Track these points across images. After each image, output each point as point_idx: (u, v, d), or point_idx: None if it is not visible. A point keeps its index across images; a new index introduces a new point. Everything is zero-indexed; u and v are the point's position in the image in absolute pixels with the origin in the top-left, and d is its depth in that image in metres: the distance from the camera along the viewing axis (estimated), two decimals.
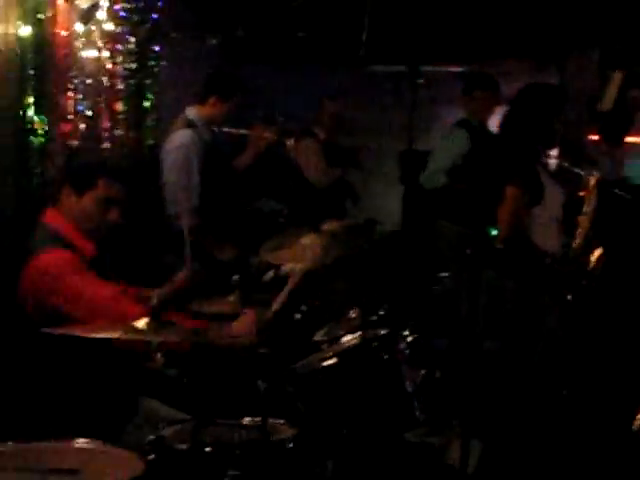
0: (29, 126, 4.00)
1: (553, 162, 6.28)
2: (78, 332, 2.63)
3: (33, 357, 3.13)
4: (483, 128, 6.08)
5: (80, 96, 4.61)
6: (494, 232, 4.32)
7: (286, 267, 4.35)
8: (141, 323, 2.47)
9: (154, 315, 2.46)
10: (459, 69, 7.51)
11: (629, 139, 7.12)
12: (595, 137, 7.15)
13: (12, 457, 2.50)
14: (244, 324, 3.28)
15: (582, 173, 4.78)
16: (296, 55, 7.05)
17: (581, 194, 4.57)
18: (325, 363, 3.04)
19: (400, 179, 6.97)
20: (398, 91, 4.86)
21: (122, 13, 5.13)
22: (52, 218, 3.33)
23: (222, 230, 5.07)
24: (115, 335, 2.46)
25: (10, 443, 2.57)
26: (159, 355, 2.85)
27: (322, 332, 3.49)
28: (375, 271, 3.64)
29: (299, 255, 3.54)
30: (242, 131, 5.40)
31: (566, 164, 5.43)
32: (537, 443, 4.05)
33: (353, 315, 3.52)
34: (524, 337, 4.56)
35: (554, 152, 5.65)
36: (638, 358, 4.75)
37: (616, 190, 4.89)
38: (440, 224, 5.44)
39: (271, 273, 4.53)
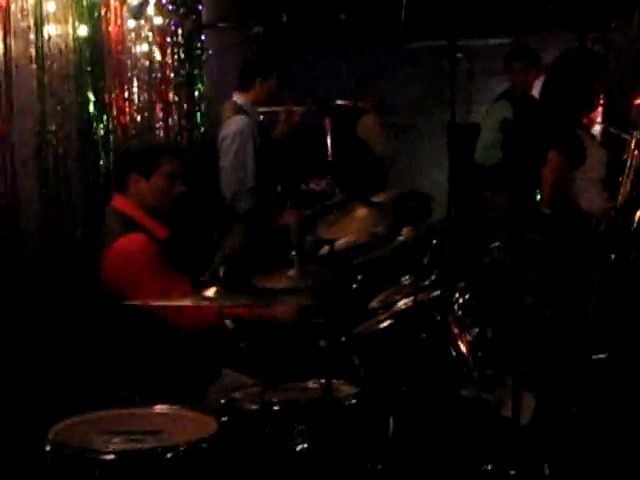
0: (90, 121, 4.24)
1: (598, 126, 6.43)
2: (153, 302, 2.87)
3: (122, 333, 3.38)
4: (526, 98, 6.21)
5: (135, 89, 4.87)
6: (539, 197, 4.48)
7: (340, 242, 4.58)
8: (210, 292, 2.70)
9: (223, 284, 2.69)
10: (499, 42, 7.66)
11: None
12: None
13: (102, 422, 2.76)
14: (287, 308, 3.48)
15: (625, 136, 4.93)
16: (339, 37, 7.24)
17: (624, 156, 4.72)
18: (381, 325, 3.26)
19: (448, 153, 7.14)
20: (439, 67, 4.99)
21: (169, 6, 5.38)
22: (122, 204, 3.54)
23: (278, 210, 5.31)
24: (187, 302, 2.69)
25: (101, 411, 2.83)
26: (229, 321, 3.08)
27: (377, 300, 3.70)
28: (427, 241, 3.81)
29: (353, 228, 3.75)
30: (275, 108, 5.66)
31: (610, 128, 5.58)
32: (588, 399, 4.23)
33: (406, 282, 3.73)
34: (575, 302, 4.72)
35: (598, 116, 5.79)
36: None
37: None
38: (487, 194, 5.62)
39: (326, 248, 4.74)
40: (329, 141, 5.11)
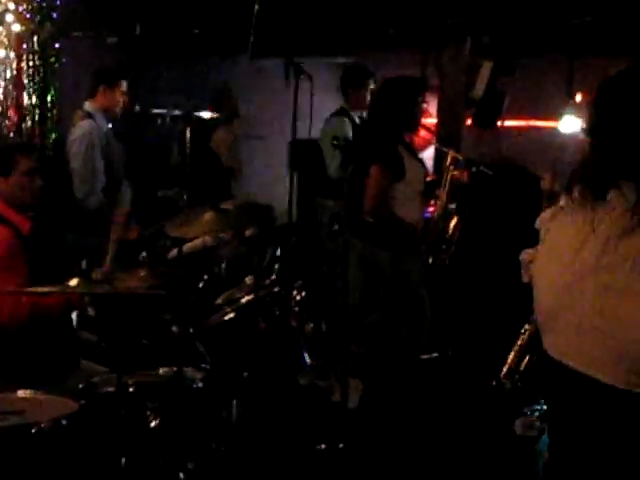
0: None
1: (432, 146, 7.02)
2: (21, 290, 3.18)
3: None
4: (362, 118, 6.70)
5: None
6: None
7: (188, 245, 4.95)
8: (73, 282, 3.04)
9: (83, 275, 3.03)
10: (341, 60, 8.15)
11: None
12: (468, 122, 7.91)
13: None
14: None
15: (454, 154, 5.52)
16: (191, 50, 7.61)
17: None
18: (226, 317, 3.65)
19: (289, 167, 7.62)
20: (285, 82, 5.43)
21: (27, 14, 5.61)
22: None
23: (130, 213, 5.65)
24: (53, 289, 3.02)
25: None
26: (91, 309, 3.40)
27: (223, 297, 4.09)
28: (268, 242, 4.24)
29: (200, 229, 4.13)
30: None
31: (441, 147, 6.17)
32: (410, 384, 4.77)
33: (249, 281, 4.14)
34: (401, 305, 5.26)
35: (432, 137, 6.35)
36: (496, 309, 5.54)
37: (478, 167, 5.59)
38: (318, 200, 6.17)
39: (175, 251, 5.10)
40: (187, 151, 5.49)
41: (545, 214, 2.35)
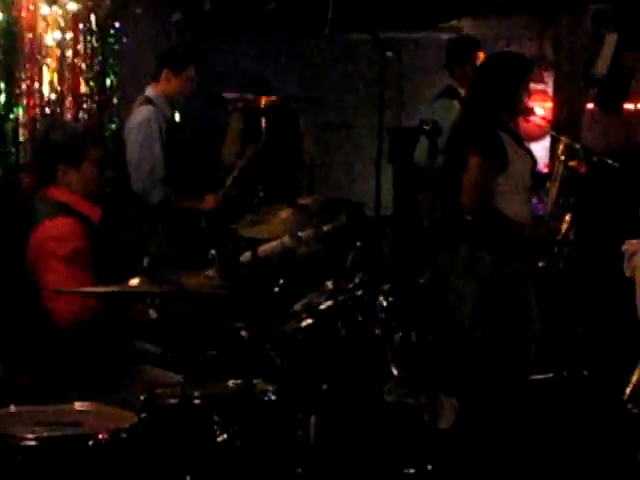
0: (1, 112, 4.78)
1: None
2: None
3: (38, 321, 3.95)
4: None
5: (46, 78, 5.41)
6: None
7: (263, 249, 5.18)
8: (134, 281, 3.28)
9: (146, 274, 3.28)
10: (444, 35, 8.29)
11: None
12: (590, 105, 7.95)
13: (24, 414, 3.28)
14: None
15: (567, 141, 5.60)
16: (265, 26, 7.86)
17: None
18: (303, 324, 3.86)
19: (389, 158, 7.81)
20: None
21: None
22: (56, 193, 4.11)
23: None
24: (113, 289, 3.29)
25: (25, 406, 3.36)
26: (153, 311, 3.66)
27: (301, 303, 4.30)
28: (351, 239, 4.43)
29: (276, 228, 4.36)
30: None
31: (553, 132, 6.27)
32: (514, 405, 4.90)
33: (330, 286, 4.33)
34: (505, 316, 5.34)
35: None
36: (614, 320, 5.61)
37: (600, 158, 5.67)
38: (421, 198, 6.27)
39: (249, 254, 5.33)
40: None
41: None
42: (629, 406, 5.02)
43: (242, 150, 6.72)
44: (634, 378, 5.03)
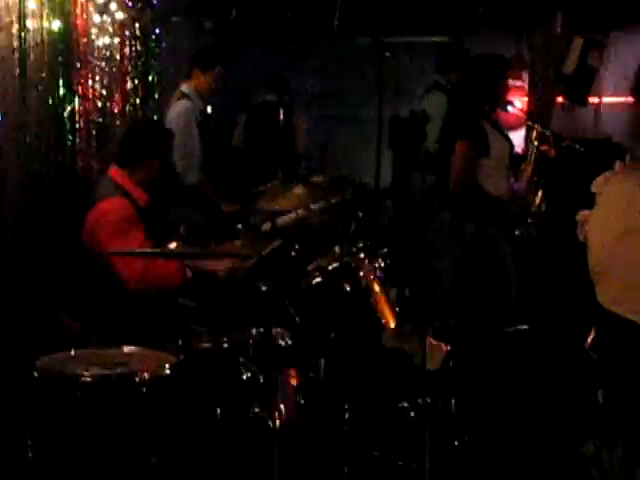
0: (62, 106, 4.86)
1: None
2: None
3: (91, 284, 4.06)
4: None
5: (98, 78, 5.49)
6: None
7: (281, 220, 5.26)
8: (173, 245, 3.37)
9: (183, 240, 3.37)
10: (435, 39, 8.34)
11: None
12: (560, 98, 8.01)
13: (79, 357, 3.40)
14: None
15: (540, 129, 5.68)
16: (281, 33, 7.93)
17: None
18: (314, 281, 3.95)
19: (389, 144, 7.87)
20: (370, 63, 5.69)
21: (129, 2, 6.00)
22: (116, 173, 4.19)
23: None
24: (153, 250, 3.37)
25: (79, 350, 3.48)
26: (189, 270, 3.75)
27: (313, 264, 4.38)
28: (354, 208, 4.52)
29: (292, 202, 4.44)
30: None
31: (529, 122, 6.33)
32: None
33: (337, 250, 4.42)
34: (486, 276, 5.47)
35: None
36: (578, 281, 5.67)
37: (567, 143, 5.74)
38: (414, 176, 6.39)
39: (269, 224, 5.42)
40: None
41: (600, 178, 2.57)
42: (590, 353, 5.09)
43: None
44: (593, 329, 5.11)
